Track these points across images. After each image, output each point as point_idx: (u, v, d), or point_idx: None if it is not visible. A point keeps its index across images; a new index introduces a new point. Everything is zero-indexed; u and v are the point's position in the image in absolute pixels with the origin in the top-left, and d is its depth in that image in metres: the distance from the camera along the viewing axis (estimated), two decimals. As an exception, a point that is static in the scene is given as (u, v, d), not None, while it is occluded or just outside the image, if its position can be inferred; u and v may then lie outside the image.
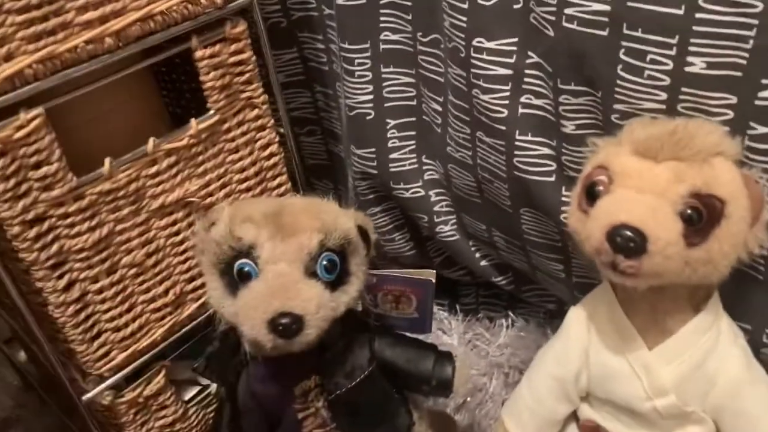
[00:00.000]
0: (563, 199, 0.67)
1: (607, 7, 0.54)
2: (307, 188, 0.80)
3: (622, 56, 0.55)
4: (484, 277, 0.90)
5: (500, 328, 0.96)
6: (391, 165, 0.82)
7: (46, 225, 0.55)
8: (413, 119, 0.80)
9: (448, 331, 0.97)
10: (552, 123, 0.64)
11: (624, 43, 0.54)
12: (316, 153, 0.96)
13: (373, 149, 0.82)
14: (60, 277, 0.57)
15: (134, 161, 0.59)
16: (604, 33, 0.55)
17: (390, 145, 0.81)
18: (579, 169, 0.64)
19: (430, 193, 0.83)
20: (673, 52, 0.52)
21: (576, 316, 0.60)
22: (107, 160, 0.57)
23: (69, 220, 0.56)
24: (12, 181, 0.52)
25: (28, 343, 0.92)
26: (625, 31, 0.54)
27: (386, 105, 0.79)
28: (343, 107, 0.83)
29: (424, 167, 0.83)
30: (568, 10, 0.56)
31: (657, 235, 0.46)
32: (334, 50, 0.81)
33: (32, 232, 0.54)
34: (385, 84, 0.78)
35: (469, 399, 0.88)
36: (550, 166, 0.67)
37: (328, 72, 0.85)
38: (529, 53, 0.63)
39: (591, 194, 0.52)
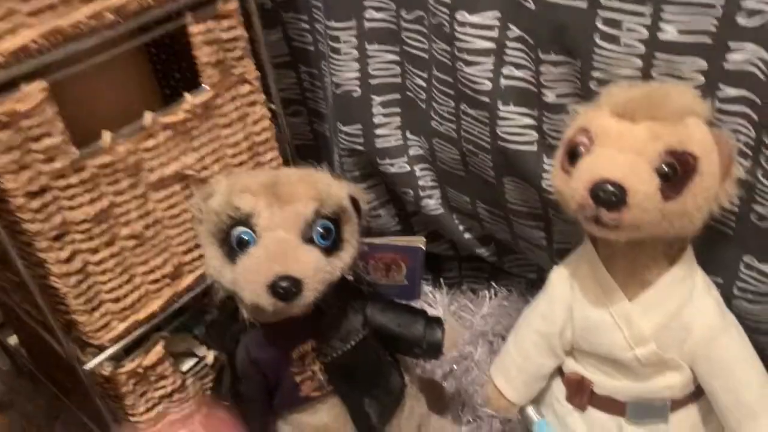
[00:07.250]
0: (545, 166, 0.70)
1: (585, -20, 0.57)
2: (297, 164, 0.82)
3: (599, 26, 0.58)
4: (468, 249, 0.93)
5: (483, 299, 0.99)
6: (377, 141, 0.84)
7: (48, 196, 0.56)
8: (398, 96, 0.83)
9: (434, 303, 0.99)
10: (533, 93, 0.67)
11: (601, 13, 0.57)
12: (301, 133, 0.98)
13: (359, 126, 0.84)
14: (62, 248, 0.58)
15: (132, 135, 0.61)
16: (584, 5, 0.58)
17: (376, 121, 0.83)
18: (559, 137, 0.67)
19: (415, 167, 0.86)
20: (647, 21, 0.55)
21: (559, 275, 0.63)
22: (107, 134, 0.58)
23: (70, 192, 0.58)
24: (16, 153, 0.53)
25: (19, 327, 0.93)
26: (603, 2, 0.57)
27: (372, 82, 0.81)
28: (329, 85, 0.85)
29: (409, 142, 0.85)
30: (548, -16, 0.59)
31: (636, 189, 0.50)
32: (319, 29, 0.83)
33: (35, 204, 0.55)
34: (370, 61, 0.80)
35: (455, 367, 0.91)
36: (532, 135, 0.70)
37: (313, 52, 0.87)
38: (510, 26, 0.66)
39: (573, 155, 0.55)
